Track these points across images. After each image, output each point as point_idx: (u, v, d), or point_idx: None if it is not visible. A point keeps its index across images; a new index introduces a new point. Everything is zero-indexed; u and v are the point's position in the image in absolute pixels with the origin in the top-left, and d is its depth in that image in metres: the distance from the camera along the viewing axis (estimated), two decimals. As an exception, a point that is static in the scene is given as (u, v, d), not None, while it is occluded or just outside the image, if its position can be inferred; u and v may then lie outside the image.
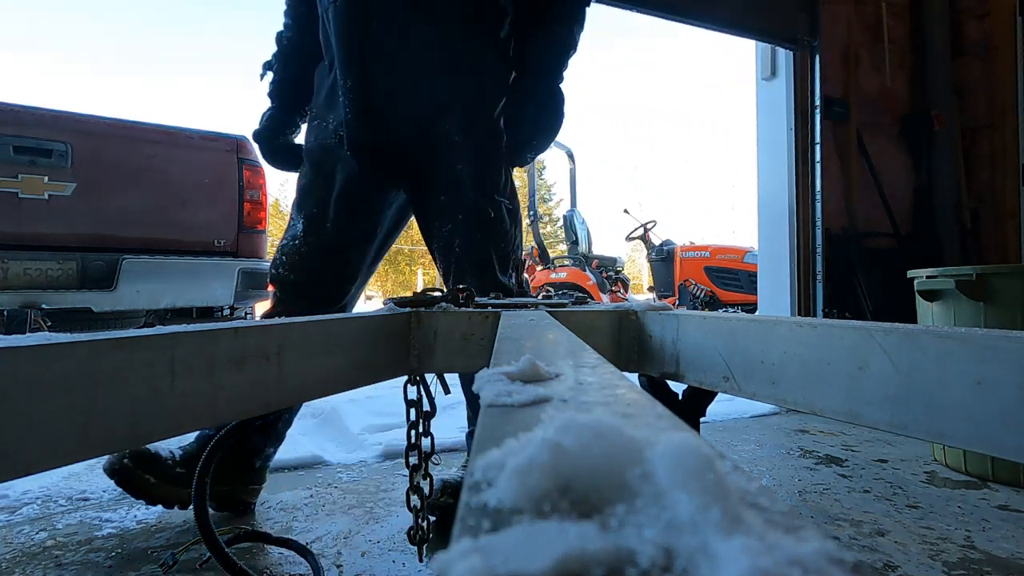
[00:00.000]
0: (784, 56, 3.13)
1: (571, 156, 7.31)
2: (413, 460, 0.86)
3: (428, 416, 0.86)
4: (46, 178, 2.59)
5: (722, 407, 3.07)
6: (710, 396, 0.55)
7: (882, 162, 3.25)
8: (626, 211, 7.71)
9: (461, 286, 0.85)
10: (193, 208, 3.11)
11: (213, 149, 3.30)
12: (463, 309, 0.77)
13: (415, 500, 0.87)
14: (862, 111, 3.21)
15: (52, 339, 0.36)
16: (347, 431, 2.22)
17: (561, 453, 0.14)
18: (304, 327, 0.55)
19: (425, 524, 0.89)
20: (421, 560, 0.97)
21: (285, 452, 2.07)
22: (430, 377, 0.85)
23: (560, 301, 0.91)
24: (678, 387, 0.69)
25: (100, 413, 0.37)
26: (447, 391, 0.89)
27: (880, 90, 3.30)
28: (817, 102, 3.09)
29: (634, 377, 0.73)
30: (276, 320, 0.56)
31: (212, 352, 0.46)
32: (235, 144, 3.42)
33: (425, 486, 0.88)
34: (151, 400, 0.41)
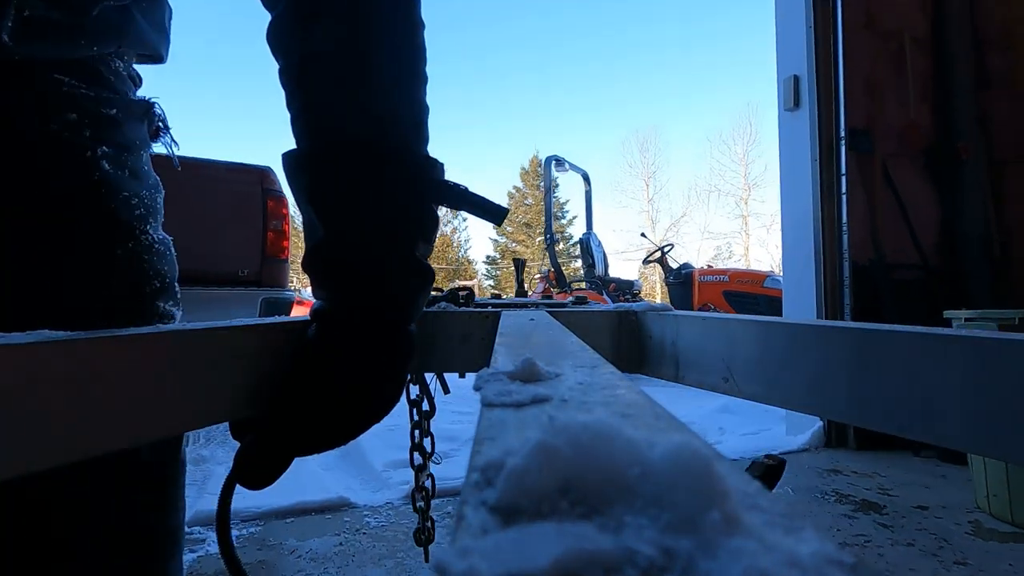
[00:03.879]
0: (807, 87, 3.10)
1: (587, 178, 7.07)
2: (417, 461, 0.86)
3: (428, 416, 0.86)
4: None
5: (747, 443, 3.01)
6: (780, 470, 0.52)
7: (908, 194, 3.20)
8: (643, 235, 7.61)
9: (461, 285, 0.85)
10: (218, 238, 3.13)
11: (238, 180, 3.31)
12: (463, 309, 0.77)
13: (420, 501, 0.87)
14: (887, 142, 3.17)
15: (51, 337, 0.36)
16: (370, 467, 2.21)
17: (560, 453, 0.14)
18: (303, 326, 0.55)
19: (431, 525, 0.89)
20: (427, 561, 0.97)
21: (310, 491, 2.08)
22: (429, 377, 0.85)
23: (560, 301, 0.91)
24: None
25: (98, 410, 0.37)
26: (447, 391, 0.89)
27: (904, 121, 3.26)
28: (842, 133, 3.05)
29: (633, 378, 0.73)
30: (280, 319, 0.56)
31: (216, 350, 0.46)
32: (260, 175, 3.44)
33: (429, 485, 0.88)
34: (151, 399, 0.41)
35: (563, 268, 7.13)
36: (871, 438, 2.93)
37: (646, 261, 7.03)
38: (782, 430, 3.41)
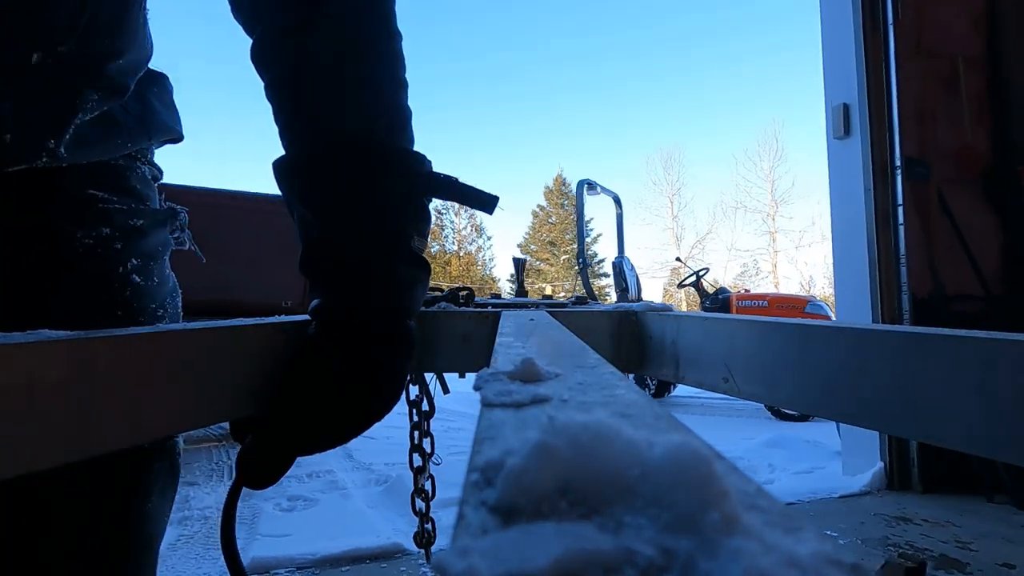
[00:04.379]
0: (858, 115, 3.00)
1: (618, 201, 6.88)
2: (417, 463, 0.86)
3: (427, 416, 0.86)
4: None
5: (801, 483, 2.82)
6: None
7: (967, 221, 3.03)
8: (678, 259, 7.41)
9: (461, 286, 0.85)
10: (262, 270, 3.15)
11: (281, 213, 3.35)
12: (463, 309, 0.77)
13: (420, 504, 0.87)
14: (942, 168, 3.03)
15: (51, 337, 0.36)
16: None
17: (560, 453, 0.14)
18: (303, 326, 0.55)
19: (431, 527, 0.89)
20: (428, 561, 0.97)
21: (362, 536, 2.07)
22: (429, 377, 0.85)
23: (560, 302, 0.91)
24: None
25: (98, 410, 0.37)
26: (446, 391, 0.89)
27: (960, 146, 3.11)
28: (898, 162, 2.93)
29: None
30: (280, 319, 0.56)
31: (220, 348, 0.46)
32: None
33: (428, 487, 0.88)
34: (151, 399, 0.41)
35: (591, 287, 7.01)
36: (936, 479, 2.73)
37: (681, 285, 6.80)
38: (837, 468, 3.13)
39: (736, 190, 30.88)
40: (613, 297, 7.32)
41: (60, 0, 0.49)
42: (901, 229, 2.92)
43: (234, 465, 0.53)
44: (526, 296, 1.35)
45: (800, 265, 29.20)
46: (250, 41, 0.57)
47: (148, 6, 0.59)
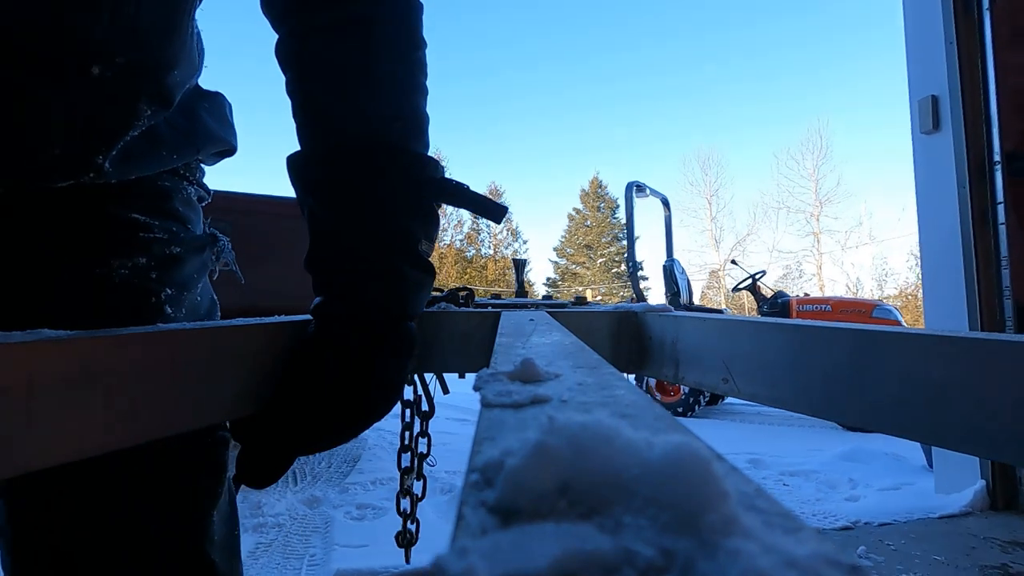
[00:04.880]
0: (948, 108, 2.77)
1: (666, 203, 6.56)
2: (405, 463, 0.85)
3: (427, 416, 0.86)
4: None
5: (890, 501, 2.59)
6: None
7: None
8: (734, 261, 6.99)
9: (460, 286, 0.85)
10: (307, 277, 3.19)
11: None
12: (463, 309, 0.77)
13: (405, 504, 0.86)
14: None
15: (51, 336, 0.36)
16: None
17: (559, 454, 0.14)
18: (303, 325, 0.55)
19: (414, 527, 0.88)
20: (408, 562, 0.97)
21: (438, 547, 2.01)
22: (429, 377, 0.85)
23: (560, 302, 0.91)
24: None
25: (98, 410, 0.37)
26: (446, 391, 0.89)
27: None
28: (996, 157, 2.66)
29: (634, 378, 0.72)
30: (280, 318, 0.56)
31: (220, 347, 0.46)
32: None
33: (418, 488, 0.88)
34: (151, 398, 0.41)
35: (627, 291, 6.78)
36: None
37: (736, 289, 6.42)
38: (928, 484, 2.83)
39: (778, 190, 29.65)
40: (662, 301, 7.03)
41: (117, 5, 0.48)
42: (1002, 229, 2.64)
43: (234, 463, 0.53)
44: (526, 296, 1.35)
45: (847, 267, 27.69)
46: (275, 37, 0.58)
47: (198, 24, 0.59)
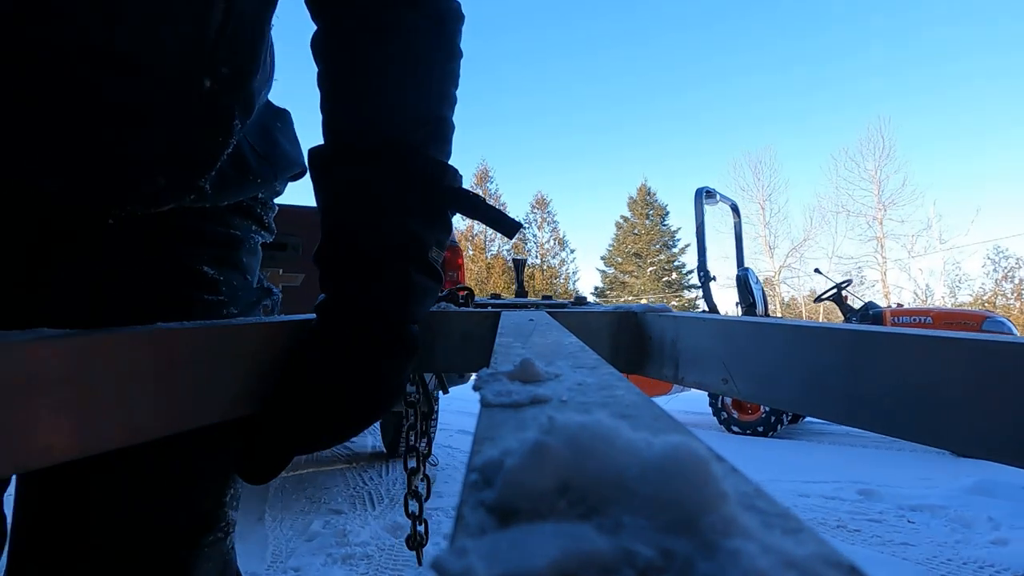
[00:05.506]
0: None
1: (736, 209, 6.23)
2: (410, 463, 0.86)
3: (427, 416, 0.86)
4: (281, 270, 2.76)
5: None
6: None
7: None
8: (817, 270, 6.61)
9: (461, 286, 0.85)
10: None
11: None
12: (463, 309, 0.76)
13: (413, 505, 0.87)
14: None
15: (50, 335, 0.36)
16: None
17: (559, 454, 0.14)
18: (303, 325, 0.55)
19: (423, 528, 0.88)
20: (420, 564, 0.97)
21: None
22: (428, 377, 0.85)
23: (560, 302, 0.91)
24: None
25: (98, 409, 0.37)
26: (445, 391, 0.89)
27: None
28: None
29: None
30: (280, 318, 0.56)
31: (217, 347, 0.46)
32: None
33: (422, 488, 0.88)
34: (151, 398, 0.41)
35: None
36: None
37: (819, 299, 6.03)
38: None
39: (837, 193, 27.69)
40: (728, 312, 6.57)
41: (228, 8, 0.47)
42: None
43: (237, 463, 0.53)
44: (526, 296, 1.35)
45: (914, 272, 25.72)
46: (313, 27, 0.58)
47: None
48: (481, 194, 0.58)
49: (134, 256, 0.55)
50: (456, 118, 0.59)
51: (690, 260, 29.43)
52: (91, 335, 0.38)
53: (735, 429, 5.36)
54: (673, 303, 28.10)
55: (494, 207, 0.58)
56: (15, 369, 0.33)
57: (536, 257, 32.62)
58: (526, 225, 31.60)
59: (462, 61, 0.59)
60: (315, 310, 0.53)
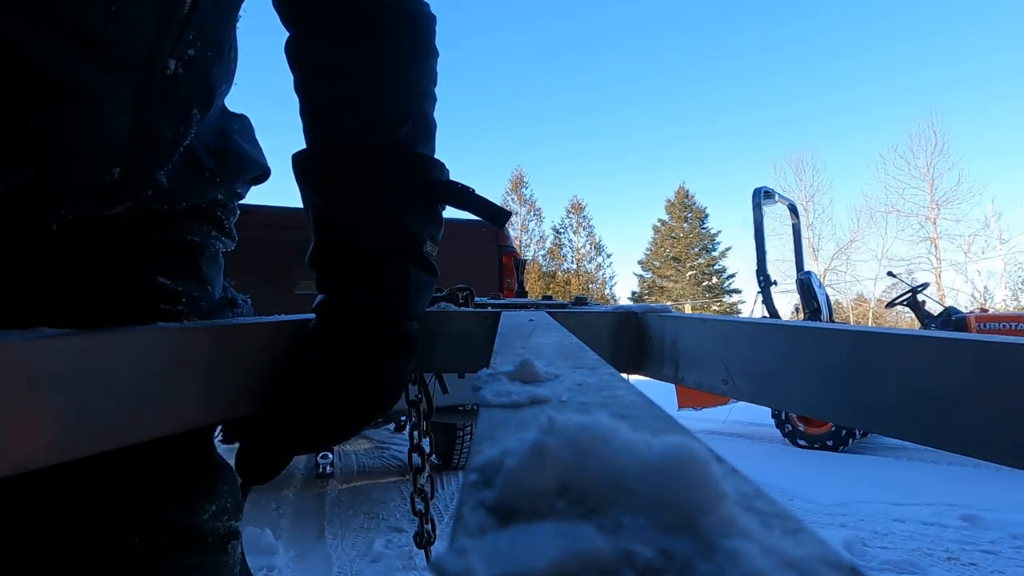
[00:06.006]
0: None
1: (794, 210, 5.90)
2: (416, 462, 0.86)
3: (427, 416, 0.86)
4: (299, 281, 2.77)
5: None
6: None
7: None
8: (891, 273, 6.23)
9: (461, 285, 0.85)
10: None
11: (473, 238, 3.28)
12: (463, 309, 0.76)
13: (419, 504, 0.87)
14: None
15: (50, 335, 0.36)
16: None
17: (559, 454, 0.14)
18: (303, 325, 0.55)
19: (430, 527, 0.89)
20: (429, 562, 0.97)
21: None
22: (428, 377, 0.85)
23: (560, 302, 0.91)
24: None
25: (98, 409, 0.37)
26: (445, 391, 0.89)
27: None
28: None
29: (633, 379, 0.72)
30: (280, 317, 0.56)
31: (214, 347, 0.46)
32: (494, 231, 3.38)
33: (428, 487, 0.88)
34: (151, 397, 0.41)
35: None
36: None
37: (891, 304, 5.65)
38: None
39: (886, 192, 25.82)
40: (795, 318, 6.14)
41: None
42: None
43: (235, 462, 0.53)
44: (526, 296, 1.35)
45: (971, 274, 23.81)
46: (286, 34, 0.57)
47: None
48: (471, 186, 0.59)
49: (86, 266, 0.51)
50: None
51: (731, 264, 28.69)
52: (91, 335, 0.38)
53: (801, 443, 4.98)
54: (713, 308, 27.24)
55: (483, 197, 0.58)
56: (15, 369, 0.33)
57: (572, 262, 31.76)
58: (561, 230, 31.10)
59: (438, 60, 0.60)
60: (314, 310, 0.53)
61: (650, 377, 0.73)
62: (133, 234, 0.54)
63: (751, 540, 0.11)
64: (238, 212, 0.68)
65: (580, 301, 1.01)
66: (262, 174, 0.66)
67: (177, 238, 0.58)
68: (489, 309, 0.75)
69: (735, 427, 6.02)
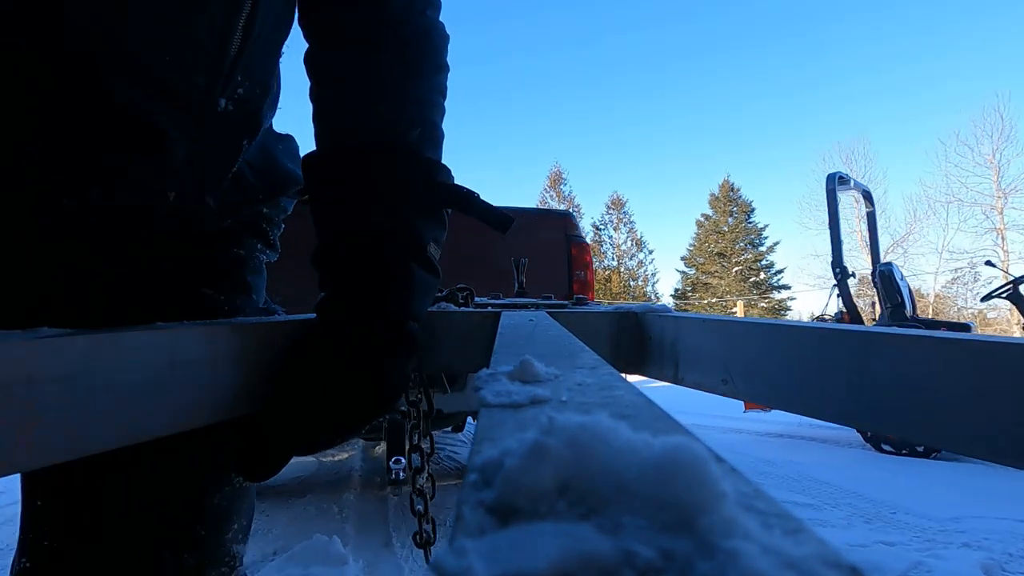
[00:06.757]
0: None
1: (869, 197, 5.47)
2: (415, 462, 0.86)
3: (427, 416, 0.86)
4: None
5: None
6: None
7: None
8: (989, 262, 5.66)
9: (461, 285, 0.85)
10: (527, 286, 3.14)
11: (543, 226, 3.21)
12: (463, 309, 0.76)
13: (419, 503, 0.87)
14: None
15: (50, 335, 0.36)
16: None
17: (559, 454, 0.14)
18: (304, 324, 0.55)
19: (430, 527, 0.89)
20: (428, 562, 0.97)
21: None
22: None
23: (560, 302, 0.91)
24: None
25: (98, 409, 0.37)
26: (445, 391, 0.89)
27: None
28: None
29: (633, 379, 0.72)
30: (280, 317, 0.56)
31: (214, 347, 0.46)
32: (563, 220, 3.29)
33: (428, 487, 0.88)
34: (151, 398, 0.41)
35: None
36: None
37: (988, 297, 5.10)
38: None
39: (946, 181, 23.74)
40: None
41: (247, 30, 0.49)
42: None
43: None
44: (526, 296, 1.35)
45: None
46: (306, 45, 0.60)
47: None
48: (475, 190, 0.60)
49: (138, 278, 0.55)
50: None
51: (779, 259, 27.52)
52: (91, 335, 0.38)
53: (887, 448, 4.47)
54: (761, 305, 26.23)
55: (487, 203, 0.59)
56: (15, 369, 0.33)
57: (613, 259, 30.77)
58: (601, 227, 30.25)
59: (449, 75, 0.63)
60: (315, 310, 0.54)
61: (650, 377, 0.73)
62: (182, 246, 0.58)
63: (751, 540, 0.11)
64: (283, 227, 0.71)
65: (580, 301, 1.01)
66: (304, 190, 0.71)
67: (223, 251, 0.62)
68: (489, 309, 0.75)
69: (807, 430, 5.37)
